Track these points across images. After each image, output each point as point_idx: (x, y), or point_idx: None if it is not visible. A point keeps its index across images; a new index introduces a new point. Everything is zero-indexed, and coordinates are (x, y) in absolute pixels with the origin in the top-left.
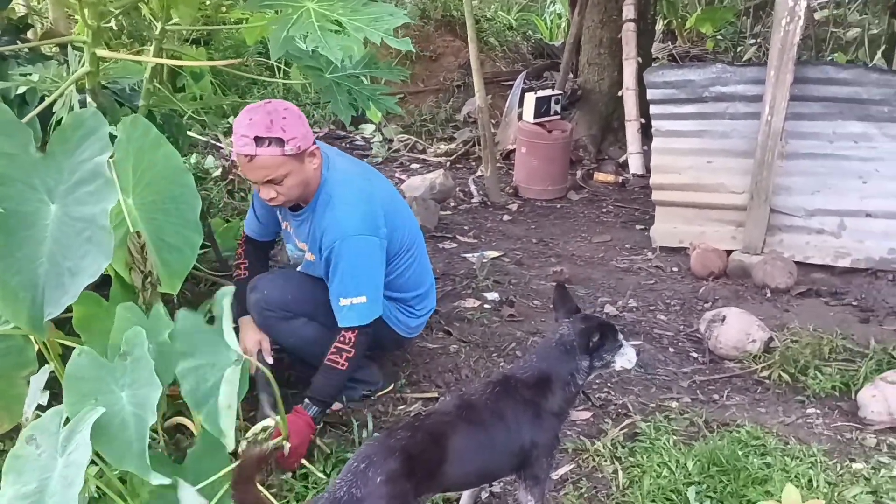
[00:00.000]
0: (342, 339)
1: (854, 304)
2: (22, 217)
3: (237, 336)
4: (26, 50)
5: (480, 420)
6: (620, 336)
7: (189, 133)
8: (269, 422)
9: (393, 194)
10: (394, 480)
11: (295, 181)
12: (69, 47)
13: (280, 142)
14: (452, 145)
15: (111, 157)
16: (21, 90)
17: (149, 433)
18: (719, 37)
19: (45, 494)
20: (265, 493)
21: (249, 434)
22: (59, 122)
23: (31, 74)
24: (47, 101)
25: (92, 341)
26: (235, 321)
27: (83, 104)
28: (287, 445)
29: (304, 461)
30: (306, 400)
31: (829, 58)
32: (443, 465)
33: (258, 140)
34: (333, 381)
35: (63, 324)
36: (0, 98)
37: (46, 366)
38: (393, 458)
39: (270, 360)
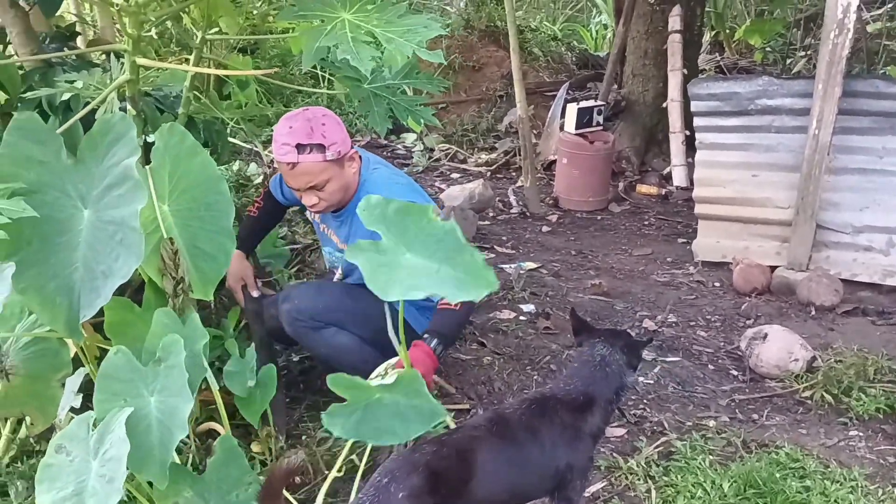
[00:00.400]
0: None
1: None
2: (56, 223)
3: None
4: (73, 57)
5: (513, 438)
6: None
7: (233, 140)
8: (391, 361)
9: (428, 198)
10: (416, 497)
11: (336, 186)
12: (112, 55)
13: (321, 148)
14: (493, 155)
15: (148, 164)
16: (66, 97)
17: (175, 446)
18: (768, 49)
19: (85, 495)
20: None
21: (374, 374)
22: (89, 130)
23: (76, 81)
24: (86, 108)
25: (123, 346)
26: None
27: (123, 111)
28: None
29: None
30: (425, 334)
31: (882, 71)
32: (469, 483)
33: (300, 147)
34: (450, 320)
35: (100, 327)
36: (46, 104)
37: (82, 368)
38: (416, 473)
39: (256, 294)
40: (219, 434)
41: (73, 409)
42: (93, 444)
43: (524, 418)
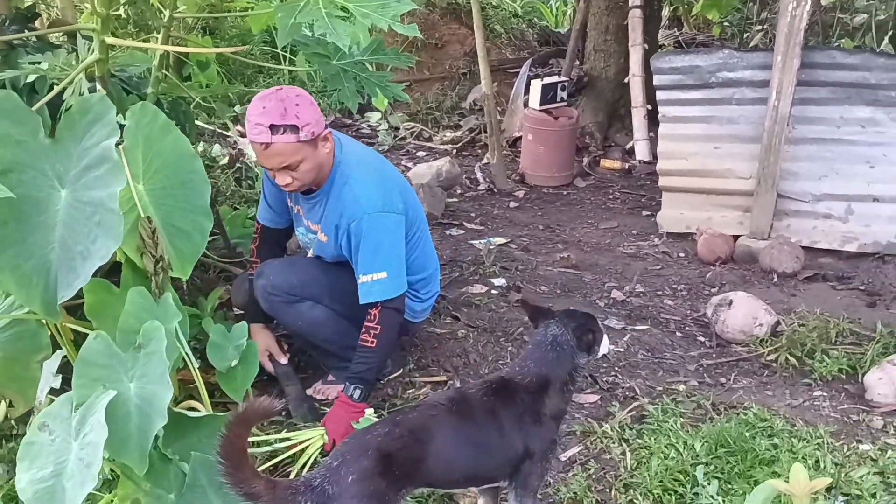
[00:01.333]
0: (368, 317)
1: (861, 288)
2: (34, 203)
3: (235, 287)
4: (34, 39)
5: (471, 419)
6: (601, 325)
7: (195, 122)
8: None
9: (401, 177)
10: (366, 479)
11: (310, 166)
12: (78, 35)
13: (295, 129)
14: (458, 133)
15: (120, 143)
16: (30, 79)
17: (154, 433)
18: (726, 23)
19: (63, 477)
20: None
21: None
22: (68, 110)
23: (40, 63)
24: (57, 88)
25: (103, 328)
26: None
27: (92, 92)
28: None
29: None
30: (346, 383)
31: (836, 43)
32: (423, 463)
33: (273, 128)
34: (368, 360)
35: (74, 310)
36: (10, 86)
37: (60, 350)
38: (366, 456)
39: (284, 361)
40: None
41: (52, 391)
42: (74, 424)
43: (482, 400)
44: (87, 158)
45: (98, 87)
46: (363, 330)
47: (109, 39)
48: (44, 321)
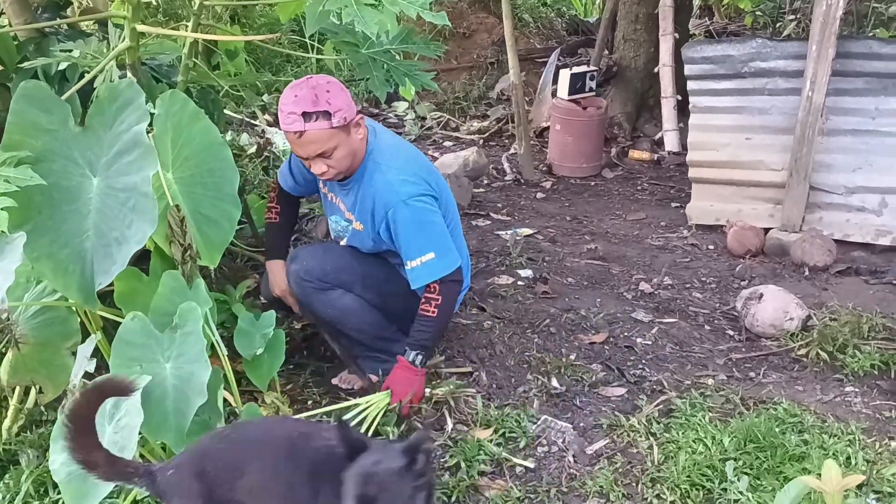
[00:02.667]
0: (428, 289)
1: (894, 282)
2: (65, 191)
3: (265, 278)
4: (66, 27)
5: (286, 460)
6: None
7: (224, 111)
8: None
9: (434, 167)
10: (184, 478)
11: (344, 152)
12: (109, 23)
13: (327, 115)
14: (485, 123)
15: (150, 131)
16: (62, 66)
17: (193, 412)
18: (758, 12)
19: None
20: None
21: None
22: (97, 97)
23: (71, 51)
24: (88, 76)
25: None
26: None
27: (123, 79)
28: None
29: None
30: (407, 349)
31: (871, 34)
32: (239, 480)
33: (306, 115)
34: (428, 329)
35: (103, 297)
36: (42, 74)
37: (93, 336)
38: (191, 455)
39: (296, 309)
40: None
41: (87, 375)
42: (108, 409)
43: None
44: (119, 144)
45: (129, 74)
46: (423, 300)
47: (140, 27)
48: (73, 308)
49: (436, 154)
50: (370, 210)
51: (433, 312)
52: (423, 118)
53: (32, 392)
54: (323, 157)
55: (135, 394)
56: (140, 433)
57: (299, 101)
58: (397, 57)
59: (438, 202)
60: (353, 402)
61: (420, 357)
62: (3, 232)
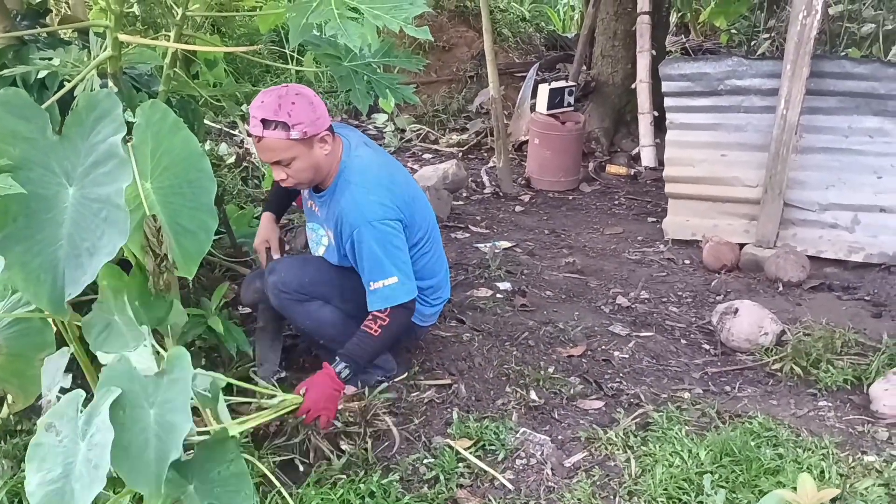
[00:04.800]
0: (378, 311)
1: (867, 298)
2: (42, 200)
3: (244, 285)
4: (45, 35)
5: None
6: None
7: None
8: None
9: (411, 184)
10: None
11: (303, 165)
12: (90, 32)
13: (285, 126)
14: (465, 136)
15: (129, 140)
16: (41, 74)
17: (168, 464)
18: (733, 31)
19: (71, 479)
20: None
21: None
22: (75, 107)
23: (51, 59)
24: (69, 85)
25: (117, 310)
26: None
27: (104, 88)
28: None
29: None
30: (337, 358)
31: (843, 53)
32: None
33: (265, 122)
34: (365, 345)
35: (81, 306)
36: (21, 82)
37: (65, 348)
38: None
39: (277, 256)
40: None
41: (62, 390)
42: (81, 425)
43: None
44: (95, 155)
45: (110, 83)
46: (370, 317)
47: (122, 36)
48: (49, 319)
49: (415, 166)
50: (338, 227)
51: (375, 331)
52: (403, 130)
53: (5, 403)
54: (281, 165)
55: (104, 412)
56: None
57: (263, 106)
58: (378, 70)
59: (408, 227)
60: (274, 393)
61: (347, 371)
62: None
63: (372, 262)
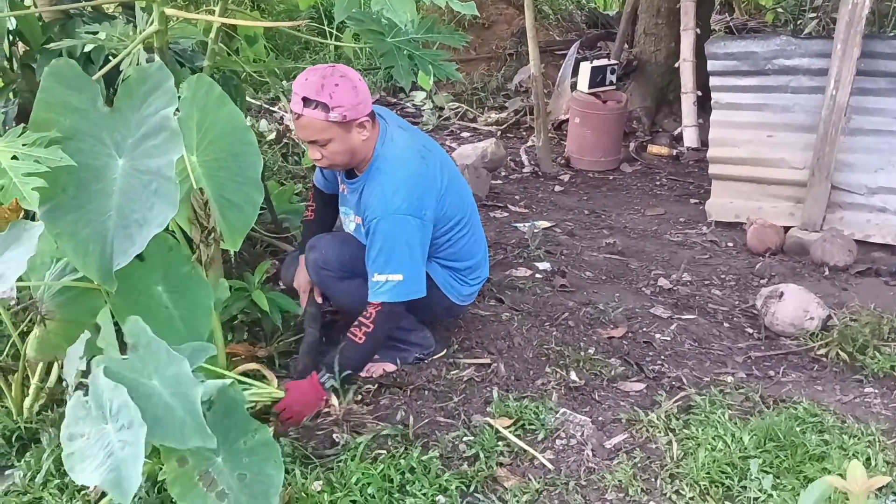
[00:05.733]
0: (365, 312)
1: None
2: (92, 171)
3: (285, 264)
4: (90, 9)
5: None
6: None
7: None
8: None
9: (446, 170)
10: None
11: (339, 148)
12: (136, 6)
13: (325, 107)
14: (503, 114)
15: (176, 114)
16: (87, 48)
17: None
18: (779, 9)
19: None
20: None
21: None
22: (126, 79)
23: (97, 33)
24: (116, 59)
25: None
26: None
27: (150, 63)
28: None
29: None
30: (324, 369)
31: (893, 33)
32: None
33: (306, 101)
34: (350, 354)
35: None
36: (66, 56)
37: (84, 335)
38: None
39: (319, 300)
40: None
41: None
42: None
43: None
44: (145, 127)
45: (156, 58)
46: (355, 323)
47: (169, 11)
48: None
49: (453, 145)
50: (364, 213)
51: (360, 339)
52: (441, 108)
53: (54, 371)
54: (317, 145)
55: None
56: None
57: (307, 84)
58: (420, 47)
59: (436, 219)
60: (267, 383)
61: (331, 381)
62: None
63: (380, 254)
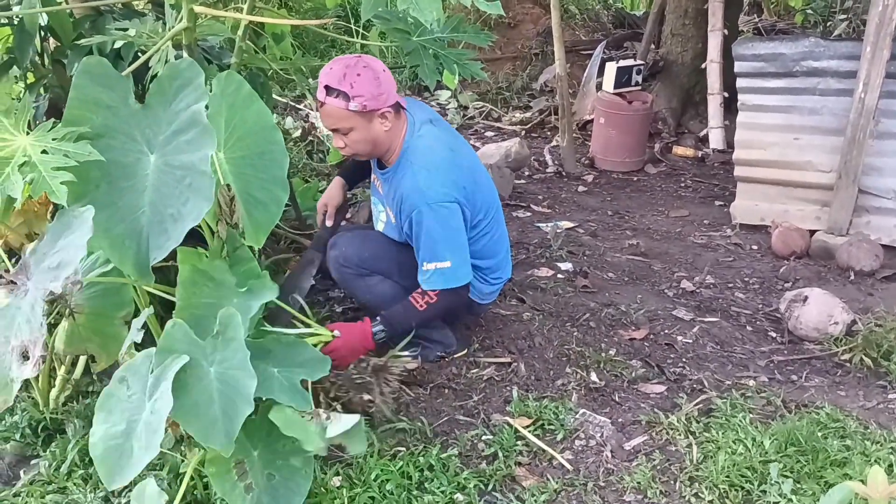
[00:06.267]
0: (429, 291)
1: None
2: (123, 168)
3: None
4: (120, 6)
5: None
6: None
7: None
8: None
9: (475, 166)
10: None
11: (360, 137)
12: (165, 3)
13: (346, 96)
14: (528, 114)
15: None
16: (117, 45)
17: (242, 420)
18: (808, 11)
19: (132, 437)
20: None
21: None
22: (155, 77)
23: (127, 30)
24: (144, 56)
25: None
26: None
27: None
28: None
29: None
30: (378, 317)
31: None
32: None
33: (328, 89)
34: (407, 314)
35: (156, 272)
36: (97, 52)
37: (145, 310)
38: None
39: (329, 223)
40: None
41: (136, 346)
42: (150, 385)
43: None
44: (176, 123)
45: (185, 55)
46: (420, 291)
47: (197, 8)
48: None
49: (477, 144)
50: (398, 206)
51: (421, 306)
52: (466, 107)
53: (80, 362)
54: (339, 133)
55: (170, 377)
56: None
57: (330, 73)
58: (445, 46)
59: (468, 209)
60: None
61: (382, 333)
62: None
63: (428, 244)
